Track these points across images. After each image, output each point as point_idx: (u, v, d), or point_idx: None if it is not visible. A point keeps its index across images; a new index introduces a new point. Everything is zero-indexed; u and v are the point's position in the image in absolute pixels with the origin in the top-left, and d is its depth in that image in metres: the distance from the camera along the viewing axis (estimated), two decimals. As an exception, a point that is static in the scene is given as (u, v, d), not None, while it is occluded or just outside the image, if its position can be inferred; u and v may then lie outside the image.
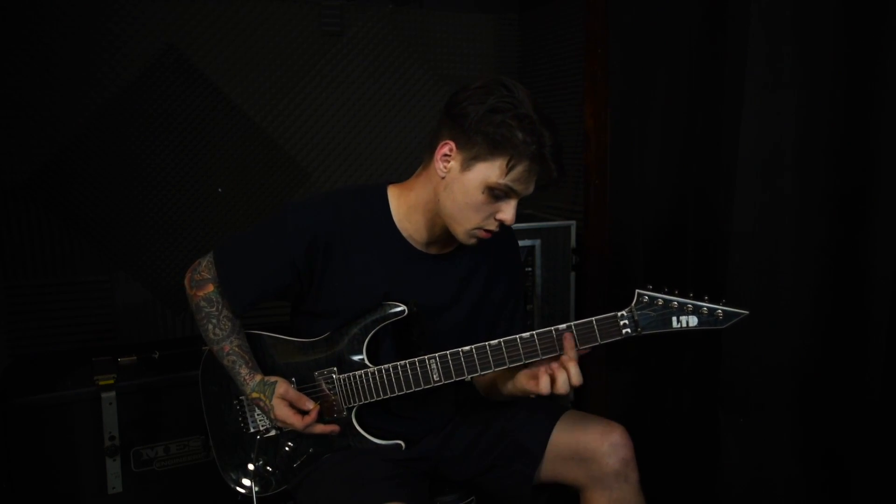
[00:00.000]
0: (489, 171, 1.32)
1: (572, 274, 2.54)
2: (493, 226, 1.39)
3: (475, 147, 1.32)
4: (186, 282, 1.57)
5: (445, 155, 1.37)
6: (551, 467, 1.47)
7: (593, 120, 2.39)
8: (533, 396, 1.37)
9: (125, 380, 2.06)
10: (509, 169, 1.31)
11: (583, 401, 2.55)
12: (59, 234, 2.38)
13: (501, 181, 1.32)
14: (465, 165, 1.34)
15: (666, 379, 2.14)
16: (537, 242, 2.49)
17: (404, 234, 1.48)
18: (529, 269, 2.48)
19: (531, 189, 1.36)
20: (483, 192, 1.34)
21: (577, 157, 2.53)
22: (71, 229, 2.40)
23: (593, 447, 1.42)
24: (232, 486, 1.59)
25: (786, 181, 1.70)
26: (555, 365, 1.31)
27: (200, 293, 1.53)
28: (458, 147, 1.35)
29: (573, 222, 2.53)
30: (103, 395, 2.00)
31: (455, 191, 1.37)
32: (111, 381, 2.03)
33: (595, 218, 2.45)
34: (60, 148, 2.35)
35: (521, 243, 2.41)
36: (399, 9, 2.77)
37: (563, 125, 2.67)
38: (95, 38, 2.36)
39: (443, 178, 1.38)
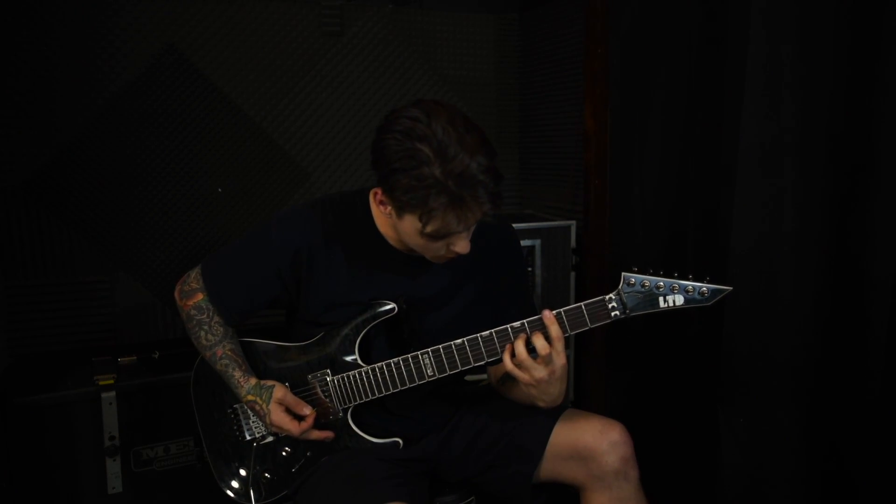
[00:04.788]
0: (416, 223, 1.28)
1: (572, 274, 2.54)
2: (451, 254, 1.37)
3: (395, 202, 1.30)
4: (176, 294, 1.58)
5: (381, 201, 1.36)
6: (550, 466, 1.47)
7: (593, 120, 2.39)
8: (531, 389, 1.36)
9: (125, 380, 2.06)
10: (425, 224, 1.27)
11: (583, 399, 2.55)
12: (59, 234, 2.38)
13: (430, 230, 1.28)
14: (398, 214, 1.32)
15: (666, 378, 2.14)
16: (537, 242, 2.49)
17: (389, 240, 1.46)
18: (529, 269, 2.48)
19: (470, 224, 1.30)
20: (422, 237, 1.31)
21: (577, 158, 2.53)
22: (71, 229, 2.40)
23: (592, 446, 1.41)
24: (231, 495, 1.57)
25: (786, 180, 1.69)
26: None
27: (190, 302, 1.54)
28: (384, 197, 1.33)
29: (573, 222, 2.53)
30: (103, 395, 2.00)
31: (401, 231, 1.37)
32: (111, 381, 2.03)
33: (595, 218, 2.44)
34: (60, 148, 2.35)
35: (520, 243, 2.43)
36: (399, 9, 2.77)
37: (563, 125, 2.68)
38: (95, 38, 2.36)
39: (388, 217, 1.38)
